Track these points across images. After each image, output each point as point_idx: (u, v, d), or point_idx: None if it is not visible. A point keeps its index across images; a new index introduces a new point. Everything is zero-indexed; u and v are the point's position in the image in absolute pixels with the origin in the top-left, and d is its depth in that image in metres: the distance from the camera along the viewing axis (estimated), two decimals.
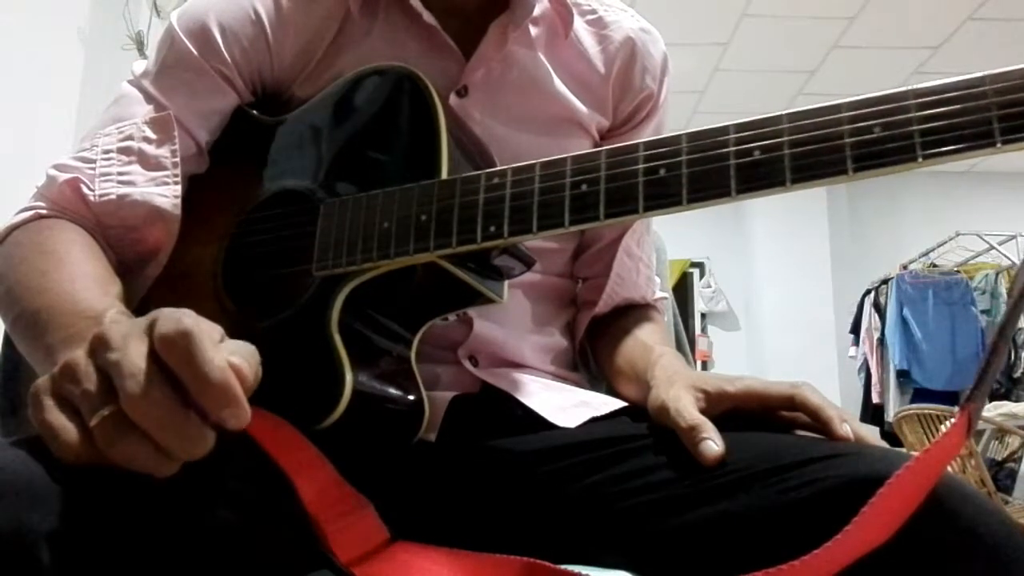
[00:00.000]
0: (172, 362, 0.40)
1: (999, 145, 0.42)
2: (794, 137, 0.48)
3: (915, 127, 0.44)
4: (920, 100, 0.45)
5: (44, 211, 0.70)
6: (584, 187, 0.54)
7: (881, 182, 6.01)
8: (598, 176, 0.54)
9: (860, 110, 0.47)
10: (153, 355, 0.41)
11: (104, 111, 0.76)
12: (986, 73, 0.43)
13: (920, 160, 0.43)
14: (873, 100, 0.47)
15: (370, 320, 0.63)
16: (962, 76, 0.44)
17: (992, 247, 4.92)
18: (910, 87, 0.45)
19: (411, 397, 0.64)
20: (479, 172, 0.59)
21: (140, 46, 2.63)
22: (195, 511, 0.46)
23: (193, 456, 0.41)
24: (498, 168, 0.59)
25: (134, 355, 0.40)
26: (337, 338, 0.59)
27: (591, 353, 0.87)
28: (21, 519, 0.39)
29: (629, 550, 0.58)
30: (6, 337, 0.71)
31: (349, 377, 0.57)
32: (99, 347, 0.42)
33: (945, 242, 5.01)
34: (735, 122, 0.51)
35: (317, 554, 0.50)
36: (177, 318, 0.41)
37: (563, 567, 0.49)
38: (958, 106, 0.44)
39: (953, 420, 0.48)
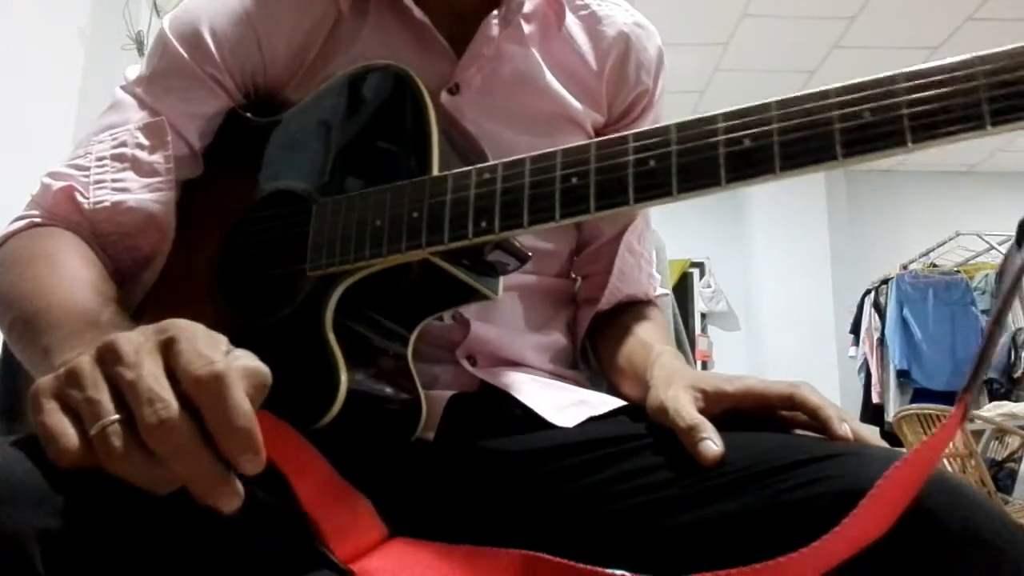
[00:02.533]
0: (200, 401, 0.40)
1: (989, 127, 0.42)
2: (784, 124, 0.48)
3: (904, 111, 0.44)
4: (910, 84, 0.44)
5: (38, 219, 0.69)
6: (574, 180, 0.54)
7: (881, 181, 6.02)
8: (588, 169, 0.54)
9: (849, 95, 0.46)
10: (171, 378, 0.40)
11: (98, 118, 0.75)
12: (975, 55, 0.43)
13: (910, 144, 0.43)
14: (863, 85, 0.46)
15: (365, 319, 0.63)
16: (952, 59, 0.44)
17: (992, 247, 4.92)
18: (899, 71, 0.45)
19: (408, 395, 0.64)
20: (470, 168, 0.58)
21: (140, 46, 2.64)
22: (191, 511, 0.46)
23: (206, 497, 0.40)
24: (489, 163, 0.58)
25: (151, 377, 0.40)
26: (332, 337, 0.59)
27: (592, 351, 0.86)
28: (15, 520, 0.39)
29: (627, 550, 0.58)
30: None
31: (344, 376, 0.57)
32: (108, 357, 0.42)
33: (945, 242, 5.01)
34: (724, 111, 0.50)
35: (315, 551, 0.49)
36: (207, 356, 0.40)
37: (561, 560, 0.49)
38: (947, 88, 0.43)
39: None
